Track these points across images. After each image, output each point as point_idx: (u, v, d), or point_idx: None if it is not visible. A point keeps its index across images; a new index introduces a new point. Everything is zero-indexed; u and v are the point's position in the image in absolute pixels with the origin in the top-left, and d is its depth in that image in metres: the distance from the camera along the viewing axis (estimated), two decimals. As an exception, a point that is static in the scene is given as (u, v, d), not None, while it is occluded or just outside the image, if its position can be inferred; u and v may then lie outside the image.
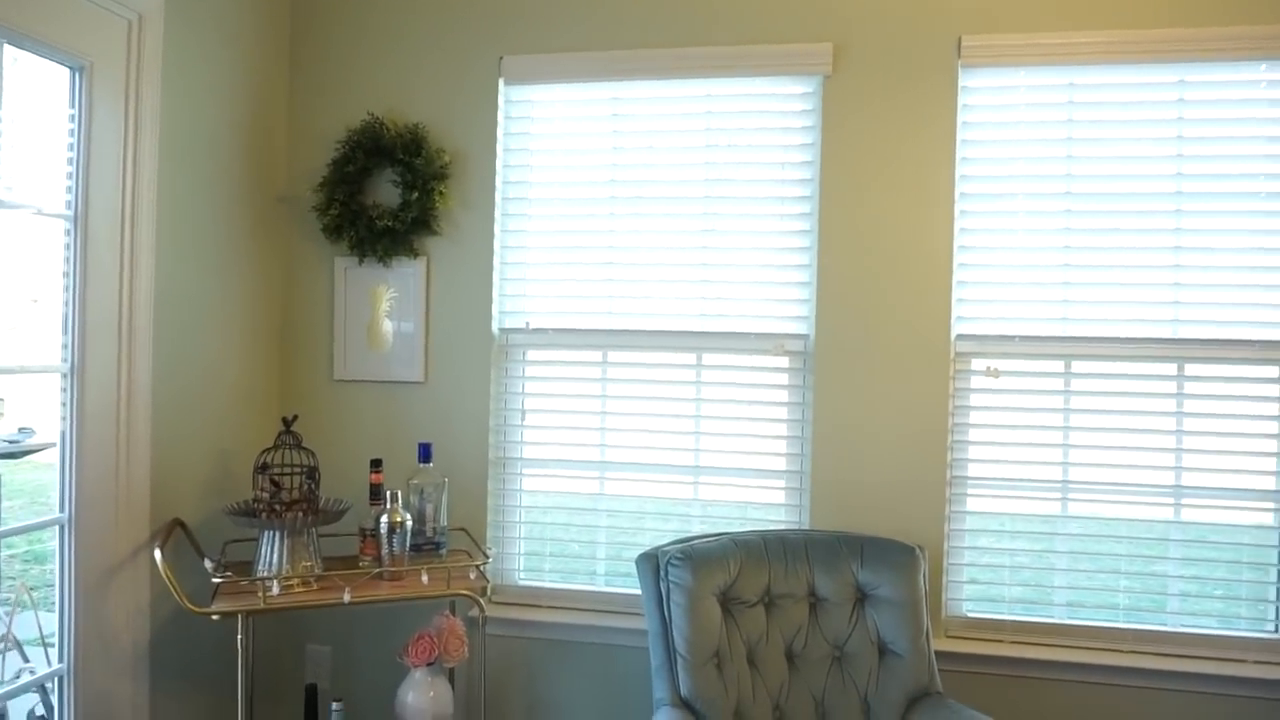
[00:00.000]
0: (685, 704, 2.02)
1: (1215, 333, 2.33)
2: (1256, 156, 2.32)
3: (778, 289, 2.54)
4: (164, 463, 2.26)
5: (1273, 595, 2.34)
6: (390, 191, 2.63)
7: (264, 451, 2.26)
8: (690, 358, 2.59)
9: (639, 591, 2.56)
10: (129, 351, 2.14)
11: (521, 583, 2.67)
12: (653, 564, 2.16)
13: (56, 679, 2.04)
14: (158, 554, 2.05)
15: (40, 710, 2.14)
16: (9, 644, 2.07)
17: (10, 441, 2.38)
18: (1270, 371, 2.33)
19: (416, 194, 2.55)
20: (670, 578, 2.09)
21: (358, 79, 2.69)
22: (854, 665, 2.13)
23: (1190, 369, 2.35)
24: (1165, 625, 2.37)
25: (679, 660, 2.05)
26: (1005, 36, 2.37)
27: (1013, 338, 2.41)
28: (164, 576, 2.01)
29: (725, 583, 2.13)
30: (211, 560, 2.13)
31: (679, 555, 2.10)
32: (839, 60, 2.45)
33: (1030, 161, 2.41)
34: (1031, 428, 2.41)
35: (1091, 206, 2.39)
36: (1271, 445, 2.34)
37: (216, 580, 2.06)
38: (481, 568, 2.28)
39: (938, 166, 2.40)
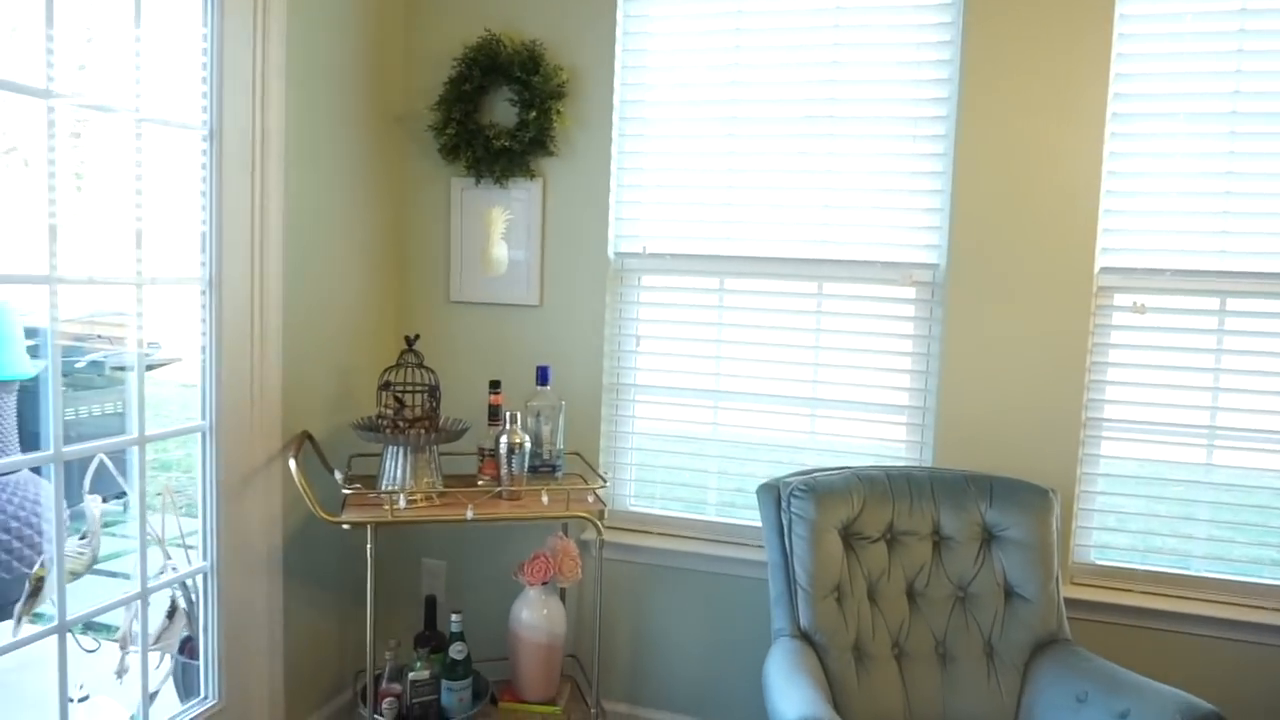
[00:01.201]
0: (804, 635, 2.01)
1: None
2: None
3: (907, 215, 2.41)
4: (293, 376, 2.32)
5: None
6: (507, 111, 2.58)
7: (387, 369, 2.30)
8: (811, 286, 2.51)
9: (749, 522, 2.56)
10: (261, 266, 2.18)
11: (633, 508, 2.68)
12: (774, 494, 2.12)
13: (200, 575, 2.15)
14: (292, 464, 2.12)
15: (182, 603, 2.27)
16: (154, 541, 2.19)
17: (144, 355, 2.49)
18: None
19: (534, 113, 2.50)
20: (793, 509, 2.06)
21: (476, -6, 2.64)
22: (978, 607, 2.07)
23: (1366, 310, 2.16)
24: (1314, 582, 2.23)
25: (799, 592, 2.03)
26: (1179, -62, 2.15)
27: (1163, 271, 2.25)
28: (298, 484, 2.08)
29: (848, 516, 2.09)
30: (341, 472, 2.19)
31: (802, 487, 2.06)
32: (987, -33, 2.27)
33: (1193, 78, 2.20)
34: (1178, 369, 2.26)
35: (1260, 128, 2.17)
36: None
37: (346, 492, 2.12)
38: (598, 492, 2.29)
39: (1090, 82, 2.22)
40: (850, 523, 2.09)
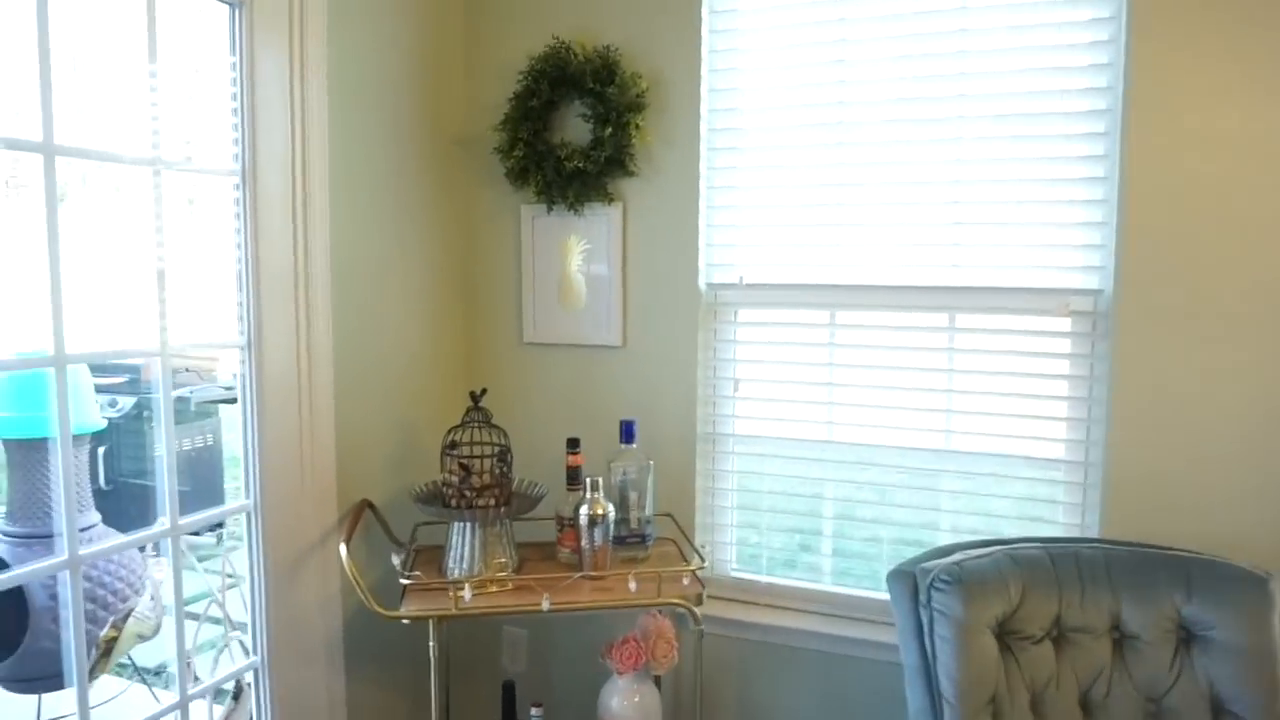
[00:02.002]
0: (954, 762, 1.63)
1: None
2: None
3: (1058, 231, 1.99)
4: (348, 439, 2.07)
5: None
6: (580, 128, 2.27)
7: (451, 430, 2.02)
8: (941, 319, 2.11)
9: (871, 594, 2.19)
10: (307, 317, 1.93)
11: (734, 574, 2.34)
12: (910, 585, 1.75)
13: (252, 672, 1.92)
14: (343, 550, 1.86)
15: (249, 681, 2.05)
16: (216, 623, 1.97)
17: (226, 389, 2.35)
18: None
19: (610, 129, 2.18)
20: (935, 604, 1.68)
21: (542, 1, 2.33)
22: (1176, 724, 1.65)
23: None
24: None
25: (945, 707, 1.64)
26: None
27: (1407, 292, 1.77)
28: (349, 575, 1.81)
29: (1004, 612, 1.69)
30: (399, 555, 1.92)
31: (945, 577, 1.68)
32: (1160, -77, 1.83)
33: None
34: None
35: None
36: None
37: (405, 582, 1.85)
38: (696, 572, 1.96)
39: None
40: (1006, 619, 1.69)
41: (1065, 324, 2.01)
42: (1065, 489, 2.04)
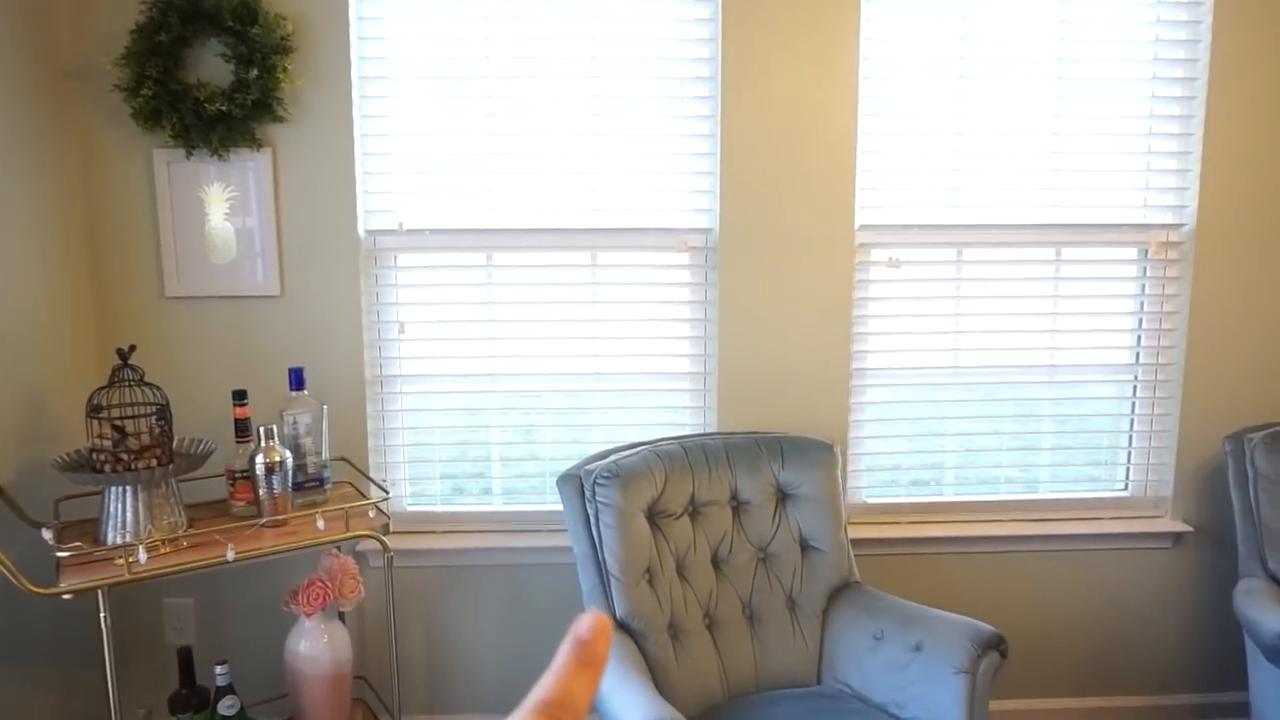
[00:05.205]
0: (622, 625, 1.95)
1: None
2: (1131, 47, 2.37)
3: (677, 179, 2.37)
4: (-38, 413, 1.82)
5: (1123, 459, 2.57)
6: (219, 68, 2.17)
7: (97, 390, 1.87)
8: (585, 257, 2.40)
9: (538, 507, 2.45)
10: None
11: (410, 508, 2.46)
12: (576, 485, 2.02)
13: None
14: (-19, 531, 1.67)
15: None
16: None
17: None
18: (1129, 254, 2.48)
19: (255, 71, 2.12)
20: (599, 498, 1.97)
21: (159, -78, 2.16)
22: (778, 564, 2.13)
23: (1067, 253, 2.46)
24: (1037, 494, 2.55)
25: (612, 581, 1.96)
26: (909, -94, 2.24)
27: (910, 226, 2.40)
28: (-5, 559, 1.64)
29: (653, 497, 2.04)
30: (49, 529, 1.76)
31: (606, 473, 1.98)
32: (739, -75, 2.23)
33: (928, 35, 2.34)
34: (924, 316, 2.45)
35: (983, 90, 2.37)
36: (1129, 323, 2.51)
37: (62, 555, 1.71)
38: (383, 507, 2.05)
39: (843, 44, 2.28)
40: (655, 502, 2.05)
41: (684, 259, 2.41)
42: (690, 395, 2.46)
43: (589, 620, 0.33)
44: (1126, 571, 2.52)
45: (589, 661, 0.32)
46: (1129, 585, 2.53)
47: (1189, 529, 2.47)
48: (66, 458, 1.88)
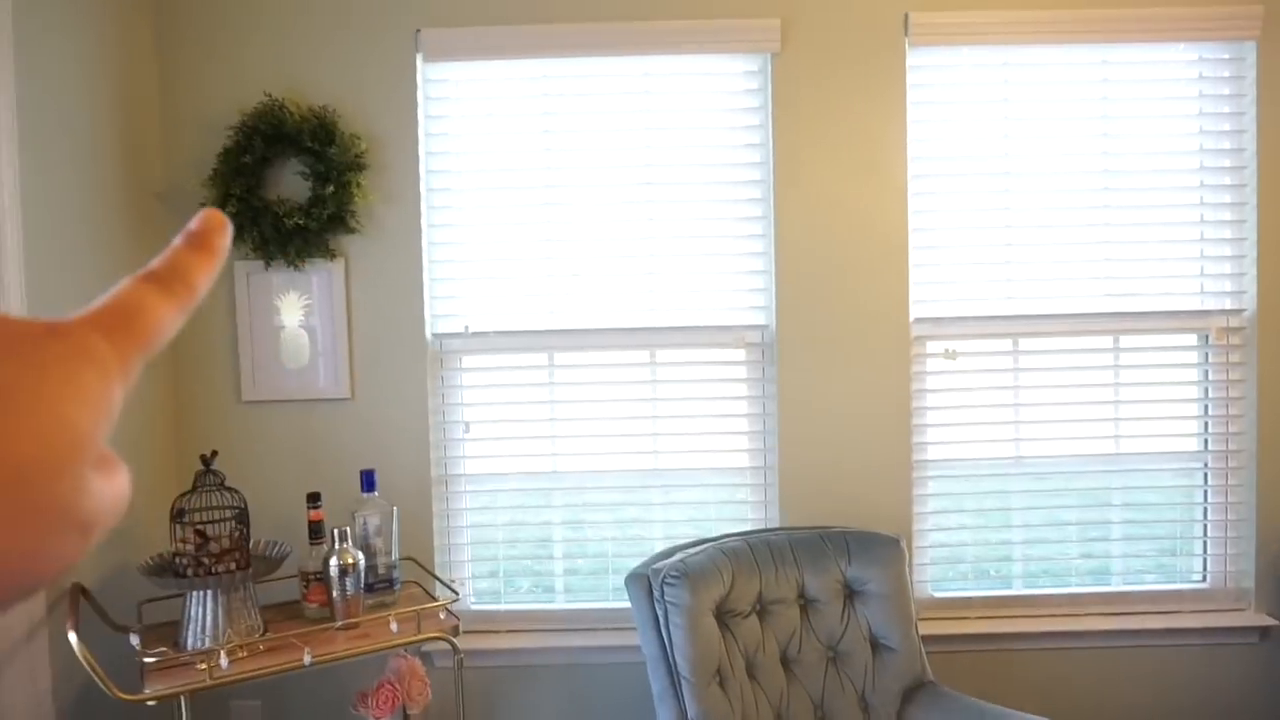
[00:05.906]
0: (694, 729, 1.92)
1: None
2: (1178, 135, 2.41)
3: (733, 278, 2.43)
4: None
5: (1199, 549, 2.50)
6: (297, 185, 2.30)
7: (181, 496, 1.94)
8: (643, 355, 2.45)
9: (602, 605, 2.44)
10: None
11: (474, 608, 2.47)
12: (644, 585, 2.02)
13: (-57, 799, 1.68)
14: (73, 638, 1.70)
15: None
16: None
17: None
18: (1189, 340, 2.46)
19: (331, 187, 2.25)
20: (667, 598, 1.97)
21: (248, 54, 2.33)
22: (849, 663, 2.09)
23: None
24: (1110, 586, 2.48)
25: (683, 683, 1.93)
26: (951, 14, 2.34)
27: (966, 318, 2.42)
28: (86, 665, 1.67)
29: (721, 596, 2.03)
30: (136, 633, 1.80)
31: (674, 573, 1.98)
32: (787, 37, 2.34)
33: (971, 136, 2.40)
34: (984, 406, 2.44)
35: (1030, 186, 2.41)
36: (1193, 409, 2.48)
37: (148, 660, 1.75)
38: (450, 606, 2.07)
39: (891, 146, 2.36)
40: (723, 601, 2.04)
41: (741, 355, 2.45)
42: (751, 490, 2.46)
43: (199, 215, 0.33)
44: (1211, 667, 2.42)
45: (200, 246, 0.32)
46: (1215, 682, 2.43)
47: (1275, 623, 2.38)
48: (151, 562, 1.93)
